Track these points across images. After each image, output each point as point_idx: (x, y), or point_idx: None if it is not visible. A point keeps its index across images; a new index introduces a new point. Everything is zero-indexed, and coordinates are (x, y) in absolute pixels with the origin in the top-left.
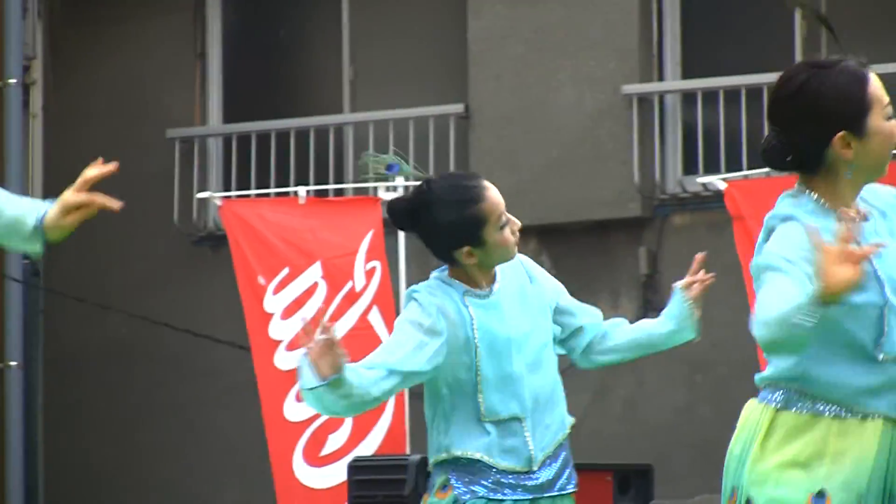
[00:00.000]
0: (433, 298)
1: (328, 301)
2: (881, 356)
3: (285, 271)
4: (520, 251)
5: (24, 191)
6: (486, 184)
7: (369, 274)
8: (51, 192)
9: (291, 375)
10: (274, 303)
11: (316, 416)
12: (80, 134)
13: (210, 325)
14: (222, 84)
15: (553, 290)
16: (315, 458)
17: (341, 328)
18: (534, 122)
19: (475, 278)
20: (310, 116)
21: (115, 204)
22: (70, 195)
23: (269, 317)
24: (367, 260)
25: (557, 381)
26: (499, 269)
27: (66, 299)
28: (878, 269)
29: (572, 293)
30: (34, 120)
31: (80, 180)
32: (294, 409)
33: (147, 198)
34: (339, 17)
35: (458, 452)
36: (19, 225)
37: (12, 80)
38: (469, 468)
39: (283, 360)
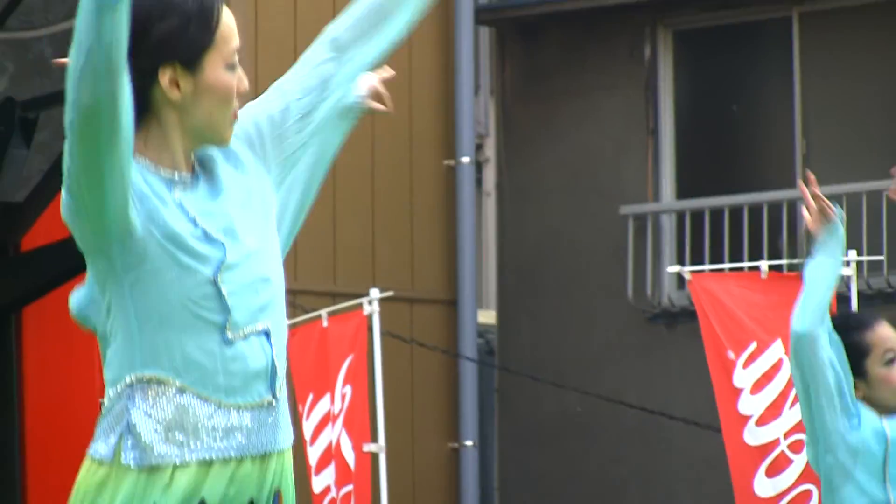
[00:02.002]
0: None
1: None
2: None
3: (753, 346)
4: None
5: (477, 268)
6: (881, 320)
7: None
8: (505, 270)
9: (761, 451)
10: (743, 377)
11: (787, 491)
12: (532, 211)
13: (664, 400)
14: (674, 160)
15: None
16: None
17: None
18: None
19: None
20: (762, 192)
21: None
22: None
23: (738, 391)
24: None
25: None
26: None
27: (520, 377)
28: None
29: None
30: (487, 198)
31: None
32: (764, 485)
33: (600, 273)
34: (790, 91)
35: None
36: None
37: (465, 159)
38: None
39: (753, 435)
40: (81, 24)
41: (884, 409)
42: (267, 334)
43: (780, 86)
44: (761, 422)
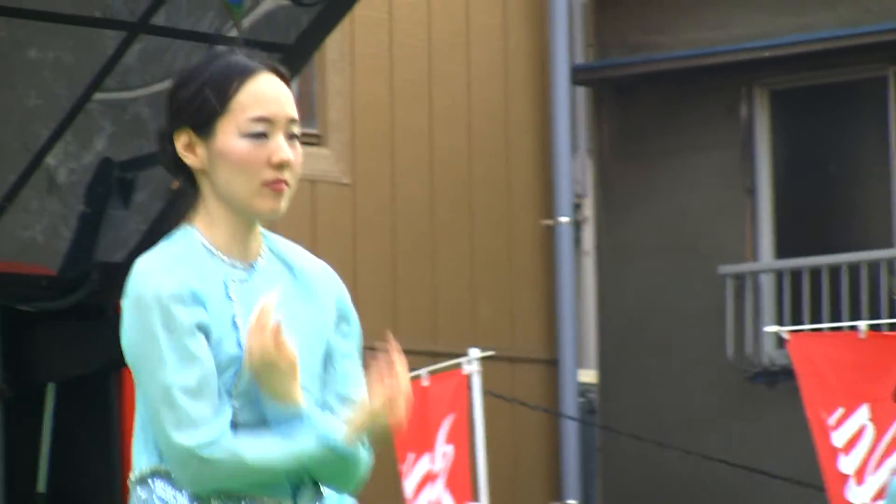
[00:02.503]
0: None
1: (873, 446)
2: None
3: (841, 410)
4: None
5: (577, 328)
6: None
7: None
8: (605, 329)
9: None
10: (838, 438)
11: None
12: (631, 270)
13: (766, 460)
14: (773, 219)
15: None
16: None
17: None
18: None
19: None
20: (861, 251)
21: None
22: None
23: (836, 451)
24: None
25: None
26: None
27: (622, 436)
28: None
29: None
30: (586, 257)
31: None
32: None
33: (700, 333)
34: (887, 149)
35: None
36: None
37: (564, 219)
38: None
39: (854, 494)
40: (298, 454)
41: None
42: None
43: (877, 144)
44: (860, 480)
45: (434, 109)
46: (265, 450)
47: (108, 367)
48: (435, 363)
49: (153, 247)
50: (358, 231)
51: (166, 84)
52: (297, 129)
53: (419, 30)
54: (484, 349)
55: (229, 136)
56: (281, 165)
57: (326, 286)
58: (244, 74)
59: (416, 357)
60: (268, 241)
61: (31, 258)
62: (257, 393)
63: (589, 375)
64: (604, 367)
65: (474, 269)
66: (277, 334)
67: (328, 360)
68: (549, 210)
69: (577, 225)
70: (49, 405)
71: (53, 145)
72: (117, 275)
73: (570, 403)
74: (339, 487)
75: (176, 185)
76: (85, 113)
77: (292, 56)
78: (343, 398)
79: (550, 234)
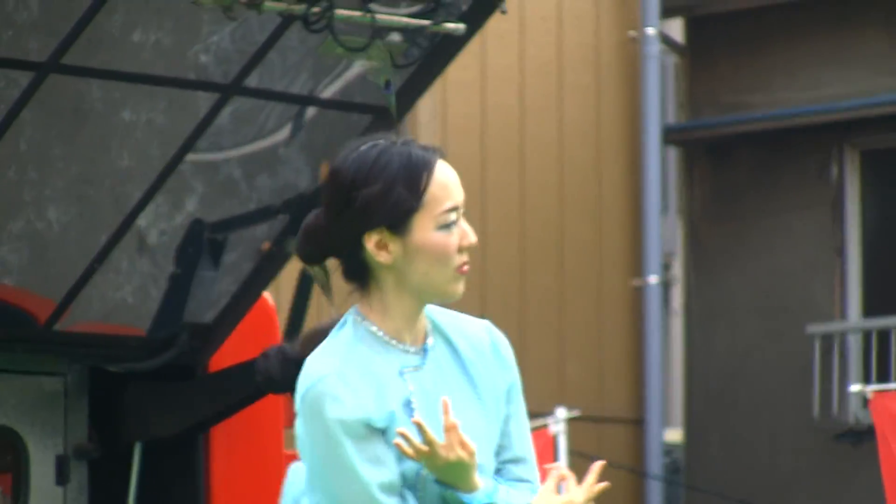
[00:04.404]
0: None
1: None
2: None
3: None
4: None
5: (665, 389)
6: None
7: None
8: (692, 388)
9: None
10: None
11: None
12: (719, 330)
13: None
14: (861, 278)
15: None
16: None
17: None
18: None
19: None
20: None
21: None
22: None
23: None
24: None
25: None
26: None
27: (708, 496)
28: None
29: None
30: (674, 318)
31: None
32: None
33: (787, 392)
34: None
35: None
36: None
37: (653, 279)
38: None
39: None
40: None
41: None
42: None
43: None
44: None
45: (526, 169)
46: None
47: (196, 429)
48: None
49: (322, 343)
50: None
51: (258, 144)
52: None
53: (511, 89)
54: (571, 409)
55: (427, 230)
56: (468, 248)
57: (493, 359)
58: (430, 167)
59: None
60: (430, 317)
61: (121, 319)
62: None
63: (675, 435)
64: (690, 427)
65: (563, 328)
66: (456, 432)
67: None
68: (639, 270)
69: (666, 285)
70: (136, 465)
71: (145, 206)
72: (206, 335)
73: (655, 463)
74: None
75: (267, 246)
76: (177, 174)
77: (385, 117)
78: (517, 459)
79: (640, 294)
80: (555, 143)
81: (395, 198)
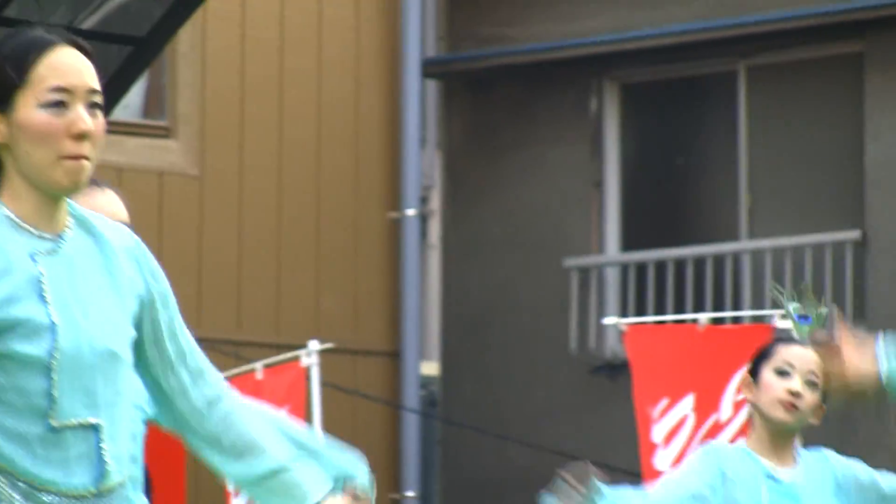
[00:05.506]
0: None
1: (690, 439)
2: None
3: (665, 401)
4: None
5: (421, 321)
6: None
7: (737, 406)
8: (448, 322)
9: None
10: (658, 432)
11: None
12: (477, 263)
13: (607, 453)
14: (620, 212)
15: None
16: None
17: None
18: None
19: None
20: (707, 244)
21: None
22: None
23: (654, 447)
24: (739, 391)
25: None
26: None
27: (464, 429)
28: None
29: None
30: (431, 251)
31: None
32: None
33: (544, 326)
34: (736, 144)
35: None
36: (297, 491)
37: (410, 212)
38: None
39: None
40: None
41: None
42: (97, 429)
43: (726, 139)
44: None
45: (284, 103)
46: None
47: None
48: (278, 355)
49: None
50: (205, 223)
51: None
52: (98, 100)
53: (271, 24)
54: (326, 341)
55: (29, 108)
56: (81, 136)
57: (137, 261)
58: (42, 47)
59: (259, 349)
60: (74, 212)
61: None
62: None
63: (431, 368)
64: (446, 360)
65: (319, 260)
66: None
67: (161, 335)
68: (396, 203)
69: (423, 218)
70: None
71: None
72: None
73: (411, 396)
74: None
75: None
76: None
77: (144, 48)
78: (198, 371)
79: (397, 226)
80: (314, 76)
81: (2, 75)
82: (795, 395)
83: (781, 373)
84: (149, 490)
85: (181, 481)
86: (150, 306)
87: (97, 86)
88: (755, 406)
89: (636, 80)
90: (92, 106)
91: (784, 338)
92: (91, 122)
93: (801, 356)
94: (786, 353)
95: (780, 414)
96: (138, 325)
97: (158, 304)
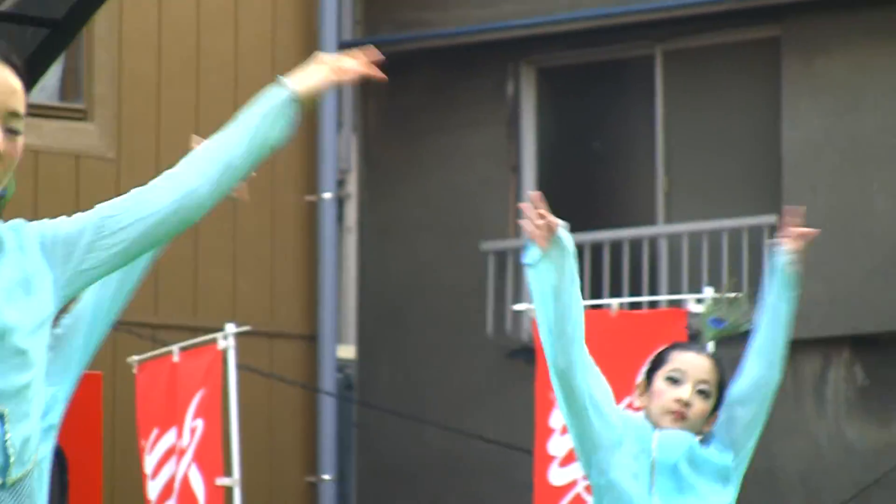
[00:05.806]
0: None
1: None
2: None
3: None
4: (834, 360)
5: (338, 305)
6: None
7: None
8: (365, 305)
9: (561, 491)
10: (558, 417)
11: None
12: (394, 247)
13: (525, 437)
14: None
15: None
16: None
17: None
18: (848, 232)
19: None
20: (624, 228)
21: None
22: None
23: (551, 431)
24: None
25: None
26: None
27: (380, 413)
28: None
29: (889, 405)
30: (348, 234)
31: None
32: None
33: (461, 310)
34: (653, 128)
35: None
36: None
37: (327, 195)
38: None
39: (556, 475)
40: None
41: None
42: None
43: (643, 123)
44: (564, 463)
45: (201, 86)
46: None
47: None
48: (195, 338)
49: None
50: None
51: None
52: (17, 124)
53: (187, 6)
54: (243, 324)
55: None
56: None
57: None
58: None
59: (176, 332)
60: None
61: None
62: None
63: (348, 351)
64: (363, 343)
65: (235, 243)
66: None
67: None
68: (313, 186)
69: (340, 201)
70: None
71: None
72: None
73: (328, 379)
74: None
75: None
76: None
77: (60, 31)
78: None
79: (313, 209)
80: (231, 58)
81: None
82: (684, 403)
83: (673, 380)
84: (64, 470)
85: (98, 461)
86: (75, 276)
87: (20, 109)
88: (646, 412)
89: (553, 64)
90: (9, 131)
91: (680, 344)
92: (5, 144)
93: (694, 363)
94: (679, 361)
95: (667, 423)
96: (70, 296)
97: (72, 264)
